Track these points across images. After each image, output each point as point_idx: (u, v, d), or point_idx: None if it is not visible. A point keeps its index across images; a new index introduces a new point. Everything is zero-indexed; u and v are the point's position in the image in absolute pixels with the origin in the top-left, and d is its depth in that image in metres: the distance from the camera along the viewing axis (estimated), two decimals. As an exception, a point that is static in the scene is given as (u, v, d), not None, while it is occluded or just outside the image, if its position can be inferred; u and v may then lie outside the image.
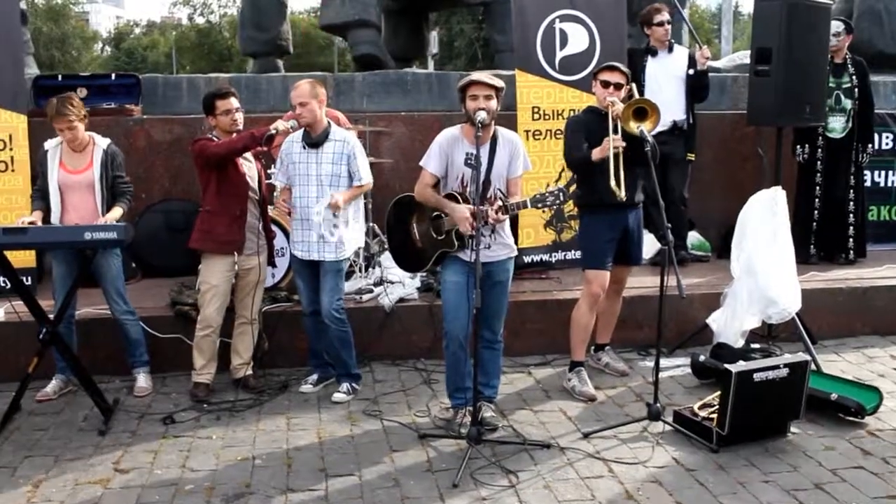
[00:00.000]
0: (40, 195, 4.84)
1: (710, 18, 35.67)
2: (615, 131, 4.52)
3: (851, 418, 4.44)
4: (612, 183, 4.45)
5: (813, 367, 4.65)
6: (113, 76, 7.25)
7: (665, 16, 6.46)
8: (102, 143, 4.90)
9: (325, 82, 5.99)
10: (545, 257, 6.42)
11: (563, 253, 6.44)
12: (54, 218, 4.77)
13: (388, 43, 9.42)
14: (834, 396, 4.49)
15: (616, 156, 4.47)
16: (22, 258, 5.41)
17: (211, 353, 4.90)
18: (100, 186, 4.82)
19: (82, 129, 4.79)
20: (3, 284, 5.52)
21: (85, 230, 4.43)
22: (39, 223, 4.66)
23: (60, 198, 4.78)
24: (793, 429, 4.30)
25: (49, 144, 4.87)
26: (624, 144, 4.48)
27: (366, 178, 4.84)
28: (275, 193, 5.34)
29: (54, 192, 4.78)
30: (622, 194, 4.48)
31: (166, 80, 7.66)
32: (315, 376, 5.03)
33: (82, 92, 6.57)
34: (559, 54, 6.34)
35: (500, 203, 4.15)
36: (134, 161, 6.08)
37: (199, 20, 42.99)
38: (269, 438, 4.31)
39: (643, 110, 4.49)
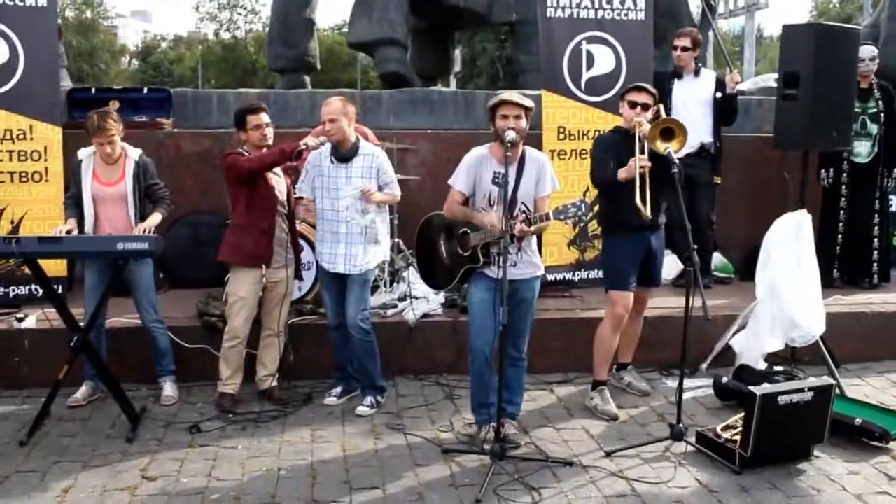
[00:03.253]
0: (74, 203, 4.90)
1: (732, 40, 35.60)
2: (642, 151, 4.54)
3: (876, 443, 4.40)
4: (638, 201, 4.44)
5: (837, 391, 4.63)
6: (145, 90, 7.35)
7: (682, 41, 6.43)
8: (134, 153, 4.97)
9: (353, 99, 6.05)
10: (568, 276, 6.44)
11: (587, 272, 6.46)
12: (87, 228, 4.84)
13: (415, 61, 9.47)
14: (858, 421, 4.47)
15: (642, 175, 4.48)
16: (54, 267, 5.49)
17: (237, 364, 4.94)
18: (132, 198, 4.89)
19: (119, 144, 4.88)
20: (35, 292, 5.61)
21: (118, 240, 4.50)
22: (76, 231, 4.74)
23: (94, 209, 4.86)
24: (816, 453, 4.28)
25: (83, 154, 4.94)
26: (650, 164, 4.49)
27: (397, 190, 4.93)
28: (301, 207, 5.39)
29: (88, 202, 4.86)
30: (647, 213, 4.48)
31: (196, 94, 7.76)
32: (339, 389, 5.06)
33: (115, 105, 6.67)
34: (585, 75, 6.39)
35: (523, 215, 4.18)
36: (164, 174, 6.09)
37: (225, 35, 43.46)
38: (293, 450, 4.34)
39: (670, 130, 4.49)
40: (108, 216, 4.87)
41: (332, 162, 4.80)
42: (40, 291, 5.10)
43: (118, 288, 4.89)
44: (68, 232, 4.68)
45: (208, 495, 3.82)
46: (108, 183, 4.89)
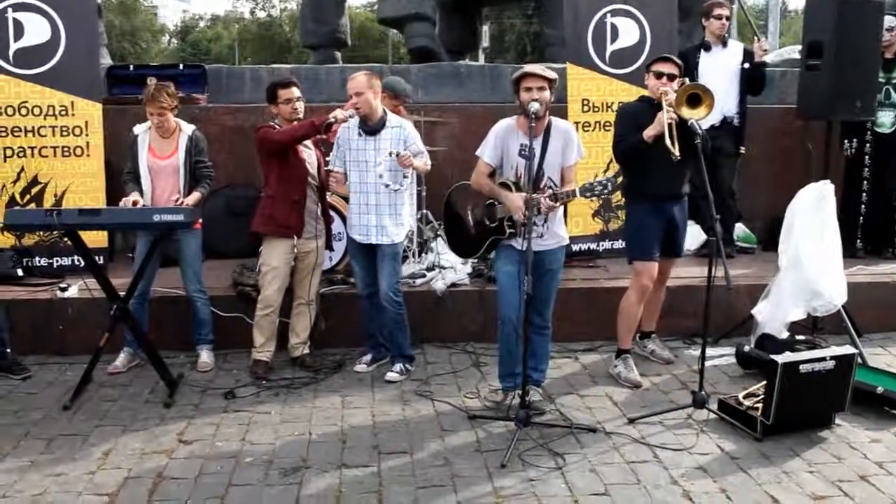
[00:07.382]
0: (133, 178, 4.87)
1: (757, 14, 34.87)
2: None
3: (897, 412, 4.29)
4: (667, 142, 4.26)
5: (859, 360, 4.50)
6: (181, 66, 7.30)
7: (724, 11, 6.31)
8: (188, 129, 4.96)
9: (382, 74, 5.97)
10: (593, 246, 6.34)
11: (611, 242, 6.36)
12: (146, 201, 4.82)
13: (442, 36, 9.35)
14: (880, 390, 4.35)
15: (669, 124, 4.30)
16: (95, 238, 5.49)
17: (270, 331, 4.92)
18: (184, 171, 4.88)
19: (171, 118, 4.86)
20: (77, 263, 5.62)
21: (154, 212, 4.47)
22: (141, 203, 4.72)
23: (150, 182, 4.85)
24: (838, 421, 4.17)
25: (139, 129, 4.92)
26: (676, 118, 4.31)
27: (427, 159, 4.85)
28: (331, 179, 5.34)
29: (145, 176, 4.85)
30: (676, 152, 4.27)
31: (230, 70, 7.71)
32: (369, 356, 5.03)
33: (152, 81, 6.63)
34: (610, 48, 6.23)
35: (550, 191, 4.09)
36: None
37: (261, 14, 43.42)
38: (324, 415, 4.32)
39: (697, 97, 4.34)
40: (162, 188, 4.86)
41: (360, 135, 4.72)
42: (82, 262, 5.10)
43: (165, 258, 4.88)
44: (134, 203, 4.66)
45: (242, 458, 3.81)
46: (163, 156, 4.88)
